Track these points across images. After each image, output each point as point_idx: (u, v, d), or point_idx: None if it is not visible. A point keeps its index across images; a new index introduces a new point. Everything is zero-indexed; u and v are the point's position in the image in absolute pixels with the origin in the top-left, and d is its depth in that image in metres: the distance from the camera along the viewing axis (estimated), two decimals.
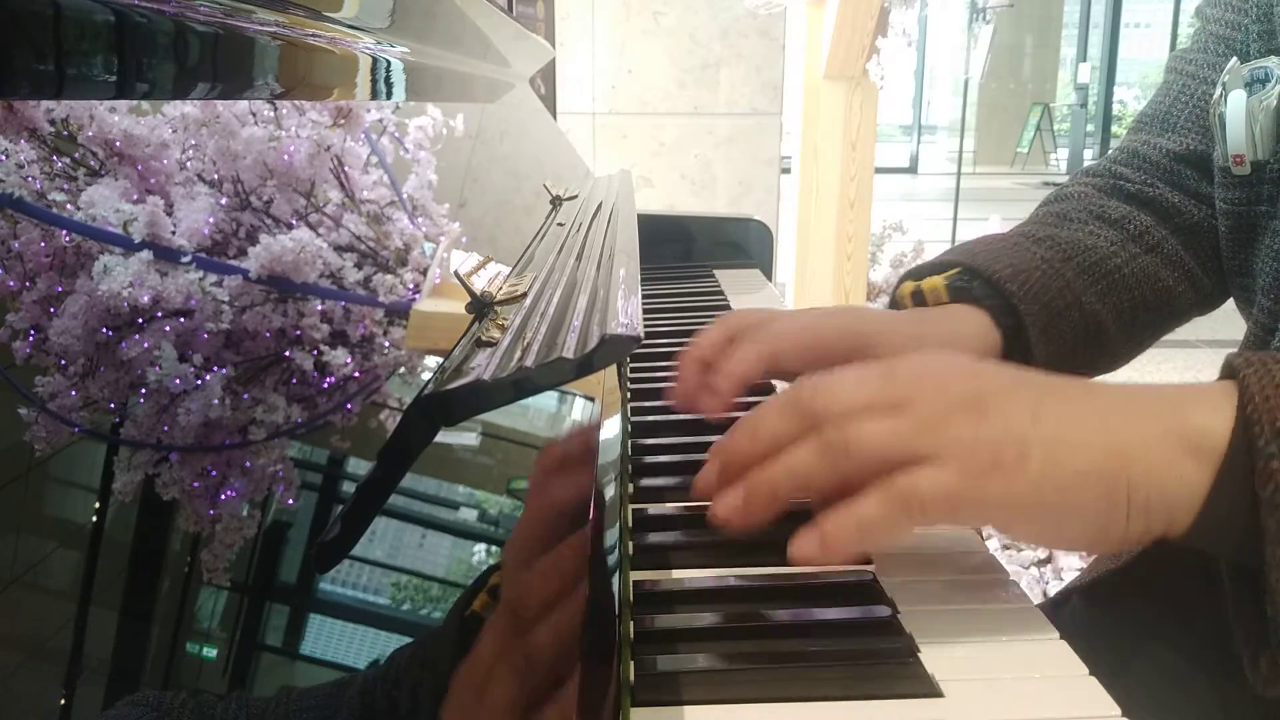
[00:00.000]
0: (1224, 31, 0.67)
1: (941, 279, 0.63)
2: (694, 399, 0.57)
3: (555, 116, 3.03)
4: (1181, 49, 0.74)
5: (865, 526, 0.41)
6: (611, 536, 0.45)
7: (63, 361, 0.29)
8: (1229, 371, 0.42)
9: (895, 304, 0.66)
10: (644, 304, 0.85)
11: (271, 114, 0.44)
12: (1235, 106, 0.60)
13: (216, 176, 0.40)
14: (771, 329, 0.56)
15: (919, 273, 0.66)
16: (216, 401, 0.33)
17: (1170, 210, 0.70)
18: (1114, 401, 0.43)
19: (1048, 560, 2.02)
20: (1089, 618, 0.69)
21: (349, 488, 0.38)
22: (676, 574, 0.49)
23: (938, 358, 0.46)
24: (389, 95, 0.61)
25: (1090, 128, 11.61)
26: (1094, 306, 0.64)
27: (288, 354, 0.38)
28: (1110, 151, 0.77)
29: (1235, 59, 0.62)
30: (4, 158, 0.31)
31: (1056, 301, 0.62)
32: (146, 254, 0.34)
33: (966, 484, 0.40)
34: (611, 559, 0.43)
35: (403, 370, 0.45)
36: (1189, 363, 3.46)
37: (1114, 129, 12.70)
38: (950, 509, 0.41)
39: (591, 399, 0.59)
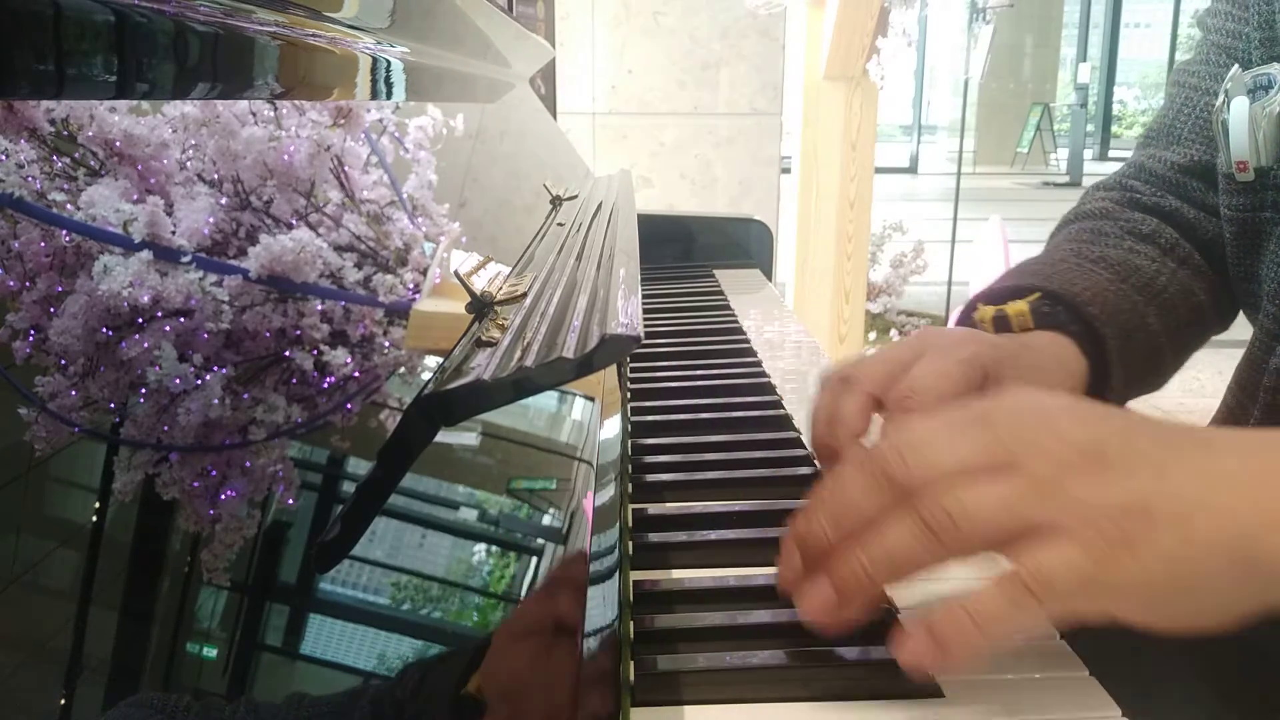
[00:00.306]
0: (1225, 41, 0.67)
1: (1026, 304, 0.61)
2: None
3: (555, 116, 3.03)
4: (1184, 61, 0.74)
5: (988, 623, 0.35)
6: (611, 536, 0.45)
7: (63, 361, 0.29)
8: None
9: (971, 327, 0.63)
10: (644, 304, 0.85)
11: (271, 114, 0.44)
12: (1238, 113, 0.60)
13: (216, 176, 0.40)
14: (919, 384, 0.50)
15: (995, 297, 0.63)
16: (216, 401, 0.33)
17: (1186, 225, 0.70)
18: (1237, 456, 0.37)
19: None
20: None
21: (349, 488, 0.38)
22: (676, 574, 0.49)
23: (1037, 399, 0.40)
24: (389, 95, 0.61)
25: (1090, 128, 11.61)
26: (1155, 328, 0.63)
27: (288, 354, 0.38)
28: (1121, 167, 0.77)
29: (1237, 66, 0.62)
30: (4, 158, 0.31)
31: (1128, 325, 0.62)
32: (146, 254, 0.34)
33: (1097, 565, 0.35)
34: (610, 561, 0.43)
35: (403, 370, 0.45)
36: (1190, 361, 3.45)
37: (1114, 129, 12.70)
38: (1081, 592, 0.35)
39: (591, 399, 0.59)
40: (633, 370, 0.84)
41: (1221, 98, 0.62)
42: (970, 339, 0.54)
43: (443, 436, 0.41)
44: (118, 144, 0.36)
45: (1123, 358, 0.60)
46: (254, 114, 0.43)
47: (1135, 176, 0.74)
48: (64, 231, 0.32)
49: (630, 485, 0.59)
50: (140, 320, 0.32)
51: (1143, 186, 0.73)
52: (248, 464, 0.33)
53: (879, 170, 3.03)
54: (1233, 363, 0.68)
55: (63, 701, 0.25)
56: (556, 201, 0.94)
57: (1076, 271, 0.63)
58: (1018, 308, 0.61)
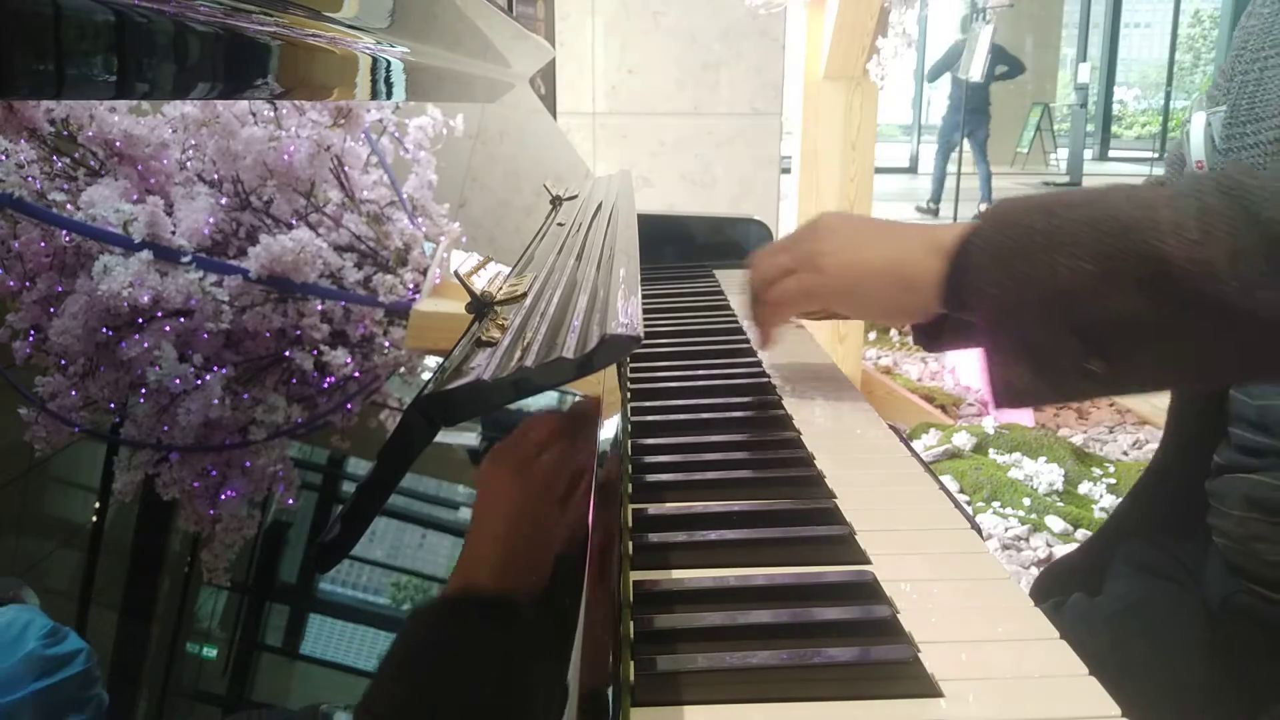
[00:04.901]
0: None
1: None
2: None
3: (555, 116, 3.02)
4: (1260, 25, 0.58)
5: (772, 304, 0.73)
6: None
7: (63, 361, 0.29)
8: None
9: None
10: (644, 304, 0.85)
11: (271, 114, 0.44)
12: None
13: (216, 176, 0.40)
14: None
15: None
16: (216, 401, 0.33)
17: None
18: (895, 230, 0.66)
19: (1048, 560, 2.02)
20: (1089, 616, 0.69)
21: (349, 488, 0.38)
22: (676, 574, 0.49)
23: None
24: (389, 95, 0.61)
25: (1090, 128, 11.60)
26: None
27: (288, 354, 0.38)
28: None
29: None
30: (4, 158, 0.31)
31: None
32: (146, 254, 0.34)
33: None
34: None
35: (403, 370, 0.45)
36: None
37: (1114, 129, 12.69)
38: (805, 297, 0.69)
39: (591, 399, 0.59)
40: (633, 370, 0.84)
41: None
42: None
43: (443, 436, 0.41)
44: (118, 144, 0.36)
45: None
46: (254, 114, 0.43)
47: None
48: (64, 231, 0.32)
49: (630, 485, 0.59)
50: (140, 320, 0.32)
51: None
52: (248, 464, 0.33)
53: (879, 170, 3.03)
54: None
55: None
56: (556, 201, 0.94)
57: None
58: None
